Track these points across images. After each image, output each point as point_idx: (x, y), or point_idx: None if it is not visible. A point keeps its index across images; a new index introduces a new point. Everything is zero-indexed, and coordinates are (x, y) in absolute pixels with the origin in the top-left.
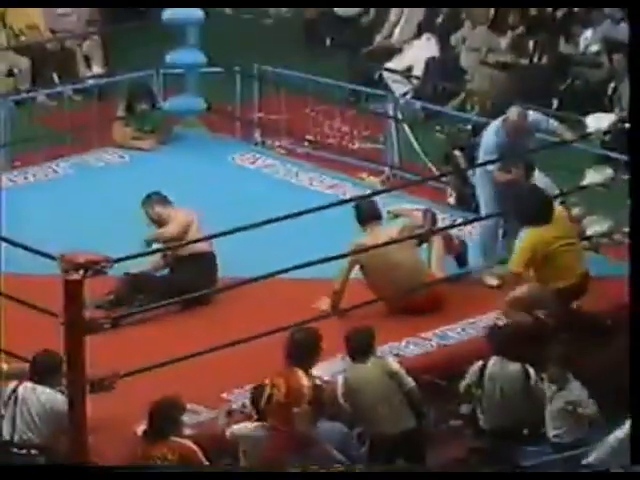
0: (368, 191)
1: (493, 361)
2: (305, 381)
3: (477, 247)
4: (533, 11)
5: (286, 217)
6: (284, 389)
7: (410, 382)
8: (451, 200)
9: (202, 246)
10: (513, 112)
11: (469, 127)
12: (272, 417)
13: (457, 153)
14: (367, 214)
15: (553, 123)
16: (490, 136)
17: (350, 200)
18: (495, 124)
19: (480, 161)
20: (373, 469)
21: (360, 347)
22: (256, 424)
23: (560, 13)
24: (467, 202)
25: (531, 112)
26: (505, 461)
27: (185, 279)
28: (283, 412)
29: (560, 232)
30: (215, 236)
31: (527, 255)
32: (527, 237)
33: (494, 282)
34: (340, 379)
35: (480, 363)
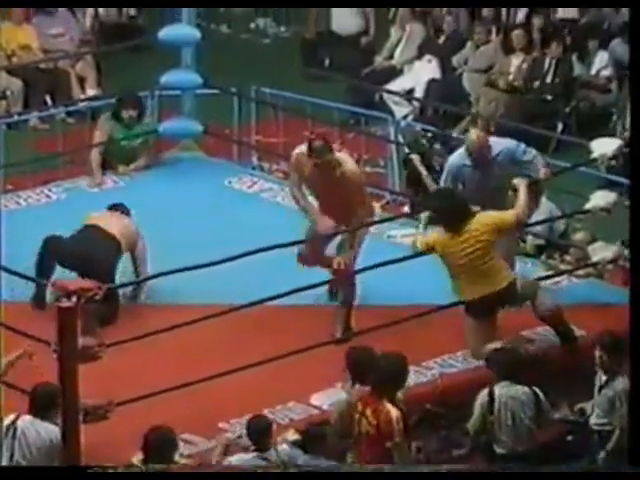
0: None
1: (500, 385)
2: (394, 413)
3: None
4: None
5: (293, 243)
6: (375, 422)
7: None
8: (406, 209)
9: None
10: (472, 133)
11: (429, 134)
12: (360, 449)
13: (414, 156)
14: None
15: (530, 153)
16: (454, 156)
17: (350, 230)
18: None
19: (443, 181)
20: (374, 469)
21: None
22: (253, 455)
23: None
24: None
25: (502, 140)
26: None
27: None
28: (373, 445)
29: (457, 250)
30: (215, 263)
31: (424, 246)
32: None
33: None
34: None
35: (487, 390)
